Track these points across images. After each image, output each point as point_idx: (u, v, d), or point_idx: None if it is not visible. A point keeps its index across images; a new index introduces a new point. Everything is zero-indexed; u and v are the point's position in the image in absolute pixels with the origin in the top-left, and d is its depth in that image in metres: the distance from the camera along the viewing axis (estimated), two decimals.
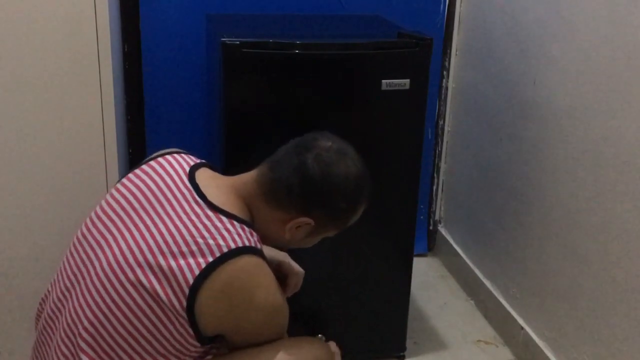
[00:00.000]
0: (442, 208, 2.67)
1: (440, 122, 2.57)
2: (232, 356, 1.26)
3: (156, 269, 1.14)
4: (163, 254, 1.14)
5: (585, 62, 1.72)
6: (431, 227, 2.69)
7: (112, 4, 1.78)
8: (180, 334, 1.16)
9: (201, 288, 1.13)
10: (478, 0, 2.31)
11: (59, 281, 1.26)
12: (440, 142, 2.59)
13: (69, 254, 1.26)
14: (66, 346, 1.20)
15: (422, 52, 1.74)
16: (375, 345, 2.02)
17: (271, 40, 1.67)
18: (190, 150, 1.34)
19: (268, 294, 1.19)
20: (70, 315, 1.19)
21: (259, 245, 1.21)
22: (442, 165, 2.62)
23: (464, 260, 2.45)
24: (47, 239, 1.67)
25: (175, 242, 1.15)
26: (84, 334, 1.17)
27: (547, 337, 1.94)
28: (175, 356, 1.19)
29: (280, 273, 1.44)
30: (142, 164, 1.29)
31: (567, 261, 1.83)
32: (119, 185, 1.26)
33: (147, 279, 1.14)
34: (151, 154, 1.34)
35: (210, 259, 1.13)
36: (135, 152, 2.20)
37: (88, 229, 1.24)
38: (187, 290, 1.13)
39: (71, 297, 1.21)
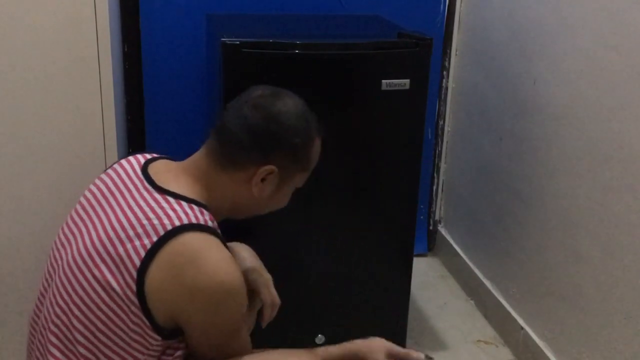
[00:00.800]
0: (442, 208, 2.67)
1: (440, 122, 2.57)
2: None
3: (107, 259, 1.14)
4: (112, 242, 1.14)
5: (585, 61, 1.72)
6: (431, 227, 2.69)
7: (112, 4, 1.78)
8: (137, 325, 1.14)
9: (148, 269, 1.11)
10: (478, 0, 2.31)
11: (40, 283, 1.29)
12: (440, 142, 2.59)
13: (49, 256, 1.29)
14: (40, 342, 1.23)
15: (422, 52, 1.74)
16: None
17: (271, 40, 1.67)
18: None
19: (216, 269, 1.13)
20: (45, 313, 1.23)
21: (209, 223, 1.17)
22: (442, 165, 2.62)
23: (464, 260, 2.45)
24: (47, 240, 1.67)
25: (123, 228, 1.15)
26: (53, 328, 1.19)
27: (547, 337, 1.94)
28: (138, 351, 1.17)
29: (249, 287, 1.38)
30: (107, 168, 1.32)
31: (567, 261, 1.83)
32: (86, 190, 1.28)
33: (99, 271, 1.14)
34: (151, 154, 1.34)
35: (155, 239, 1.12)
36: (135, 152, 2.19)
37: (60, 232, 1.28)
38: (135, 274, 1.12)
39: (47, 294, 1.24)
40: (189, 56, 2.21)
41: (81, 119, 1.66)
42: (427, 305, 2.33)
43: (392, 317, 1.99)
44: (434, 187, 2.65)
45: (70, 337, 1.17)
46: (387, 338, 2.02)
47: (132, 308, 1.13)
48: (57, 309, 1.19)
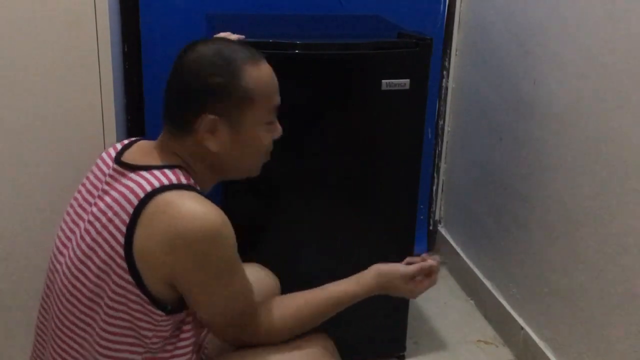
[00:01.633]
0: (442, 208, 2.67)
1: (440, 122, 2.57)
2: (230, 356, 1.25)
3: (94, 250, 1.14)
4: (98, 232, 1.15)
5: (585, 61, 1.72)
6: (431, 227, 2.69)
7: (112, 4, 1.78)
8: (137, 303, 1.14)
9: (133, 241, 1.11)
10: (478, 1, 2.31)
11: (43, 287, 1.30)
12: (440, 142, 2.59)
13: (50, 259, 1.29)
14: (52, 348, 1.23)
15: (422, 52, 1.74)
16: (376, 346, 2.01)
17: (271, 40, 1.67)
18: None
19: (191, 213, 1.10)
20: (52, 319, 1.23)
21: (183, 181, 1.16)
22: (442, 165, 2.62)
23: (464, 261, 2.45)
24: (46, 240, 1.67)
25: (104, 213, 1.15)
26: (62, 335, 1.20)
27: (547, 337, 1.94)
28: (146, 329, 1.16)
29: None
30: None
31: (567, 261, 1.83)
32: (75, 194, 1.29)
33: (93, 263, 1.14)
34: (129, 139, 1.36)
35: (132, 210, 1.12)
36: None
37: (59, 233, 1.28)
38: (122, 251, 1.12)
39: (50, 301, 1.25)
40: None
41: (81, 119, 1.65)
42: (427, 305, 2.33)
43: (392, 317, 1.99)
44: (434, 187, 2.65)
45: (88, 329, 1.17)
46: (387, 338, 2.03)
47: (128, 287, 1.13)
48: (59, 318, 1.20)
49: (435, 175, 2.64)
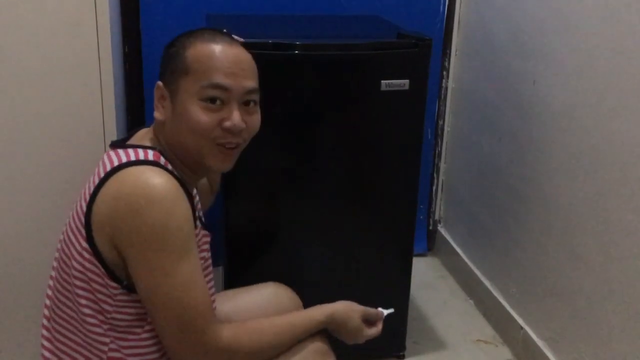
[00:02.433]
0: (442, 208, 2.67)
1: (440, 122, 2.57)
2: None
3: (75, 221, 1.19)
4: (76, 212, 1.19)
5: (584, 61, 1.72)
6: (431, 227, 2.69)
7: (112, 5, 1.77)
8: (94, 273, 1.16)
9: (93, 207, 1.14)
10: (478, 1, 2.31)
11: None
12: (439, 142, 2.59)
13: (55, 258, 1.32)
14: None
15: (422, 52, 1.74)
16: (375, 345, 1.98)
17: (271, 41, 1.67)
18: None
19: (139, 177, 1.12)
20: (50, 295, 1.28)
21: (151, 158, 1.17)
22: (442, 165, 2.62)
23: (464, 260, 2.45)
24: (46, 240, 1.67)
25: (84, 189, 1.20)
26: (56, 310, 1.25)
27: (546, 337, 1.94)
28: (105, 302, 1.17)
29: None
30: None
31: (566, 261, 1.83)
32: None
33: (76, 239, 1.18)
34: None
35: (98, 182, 1.15)
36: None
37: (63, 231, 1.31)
38: (83, 218, 1.15)
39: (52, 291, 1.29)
40: None
41: (81, 120, 1.65)
42: (427, 305, 2.33)
43: (392, 317, 1.97)
44: (434, 187, 2.65)
45: (60, 304, 1.23)
46: (387, 337, 2.03)
47: (85, 254, 1.15)
48: (54, 290, 1.25)
49: (435, 175, 2.64)
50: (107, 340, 1.19)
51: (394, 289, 1.95)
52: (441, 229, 2.67)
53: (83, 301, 1.18)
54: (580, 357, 1.78)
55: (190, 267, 1.13)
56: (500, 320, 2.18)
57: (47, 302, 1.28)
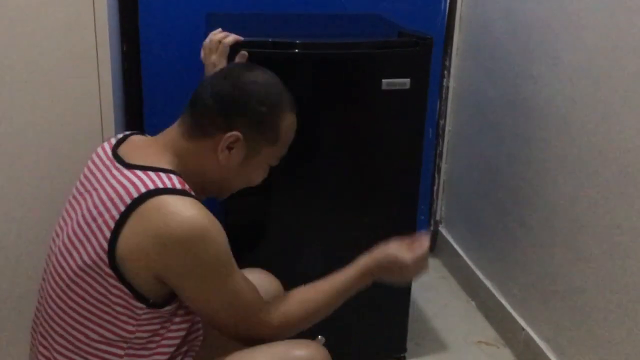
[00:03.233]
0: (443, 208, 2.67)
1: (441, 122, 2.56)
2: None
3: (83, 239, 1.17)
4: (87, 223, 1.17)
5: (587, 61, 1.72)
6: (432, 228, 2.69)
7: (110, 3, 1.77)
8: (118, 297, 1.15)
9: (119, 238, 1.13)
10: None
11: (40, 279, 1.32)
12: (441, 142, 2.59)
13: (47, 254, 1.31)
14: (41, 334, 1.26)
15: (423, 51, 1.74)
16: (376, 346, 2.01)
17: (271, 40, 1.66)
18: None
19: (184, 213, 1.12)
20: (43, 306, 1.26)
21: (178, 186, 1.18)
22: (443, 165, 2.61)
23: (465, 261, 2.44)
24: (45, 236, 1.67)
25: (95, 207, 1.17)
26: (50, 321, 1.23)
27: (548, 338, 1.93)
28: (126, 322, 1.18)
29: None
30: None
31: (569, 261, 1.82)
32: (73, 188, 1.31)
33: (77, 253, 1.16)
34: (123, 133, 1.38)
35: (123, 208, 1.14)
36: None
37: (56, 227, 1.30)
38: (105, 244, 1.14)
39: (44, 292, 1.28)
40: (188, 55, 2.19)
41: (79, 118, 1.65)
42: (428, 306, 2.33)
43: (393, 318, 1.98)
44: (435, 187, 2.64)
45: (59, 320, 1.20)
46: (388, 339, 2.02)
47: (110, 280, 1.14)
48: (46, 300, 1.23)
49: (436, 175, 2.63)
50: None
51: (394, 290, 1.92)
52: (442, 230, 2.66)
53: (106, 324, 1.17)
54: (581, 359, 1.77)
55: (235, 275, 1.21)
56: (502, 321, 2.17)
57: (42, 330, 1.25)
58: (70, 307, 1.19)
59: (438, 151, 2.60)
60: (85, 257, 1.15)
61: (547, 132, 1.90)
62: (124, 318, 1.17)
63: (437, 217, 2.69)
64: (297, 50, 1.68)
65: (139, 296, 1.16)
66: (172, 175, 1.19)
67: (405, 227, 1.90)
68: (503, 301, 2.17)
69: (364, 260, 1.35)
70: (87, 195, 1.22)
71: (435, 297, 2.39)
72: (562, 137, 1.83)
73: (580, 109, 1.75)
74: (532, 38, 1.97)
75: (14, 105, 1.60)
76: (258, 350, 1.25)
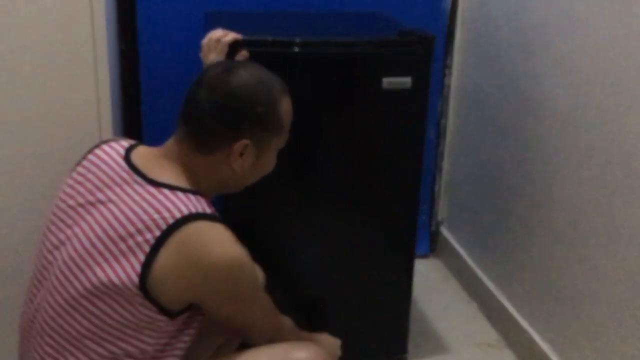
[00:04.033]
0: (445, 208, 2.66)
1: (443, 121, 2.55)
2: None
3: (108, 256, 1.16)
4: (113, 240, 1.17)
5: (590, 60, 1.71)
6: (433, 228, 2.68)
7: (108, 1, 1.77)
8: (145, 315, 1.17)
9: (154, 262, 1.14)
10: None
11: (30, 284, 1.30)
12: (442, 141, 2.58)
13: (39, 257, 1.28)
14: (38, 343, 1.24)
15: (424, 50, 1.73)
16: (377, 348, 2.01)
17: (270, 39, 1.66)
18: None
19: (223, 248, 1.18)
20: (41, 315, 1.23)
21: (208, 210, 1.21)
22: (445, 165, 2.61)
23: (467, 262, 2.44)
24: (38, 240, 1.67)
25: (122, 225, 1.17)
26: (50, 331, 1.21)
27: (551, 340, 1.93)
28: (149, 336, 1.20)
29: None
30: (81, 160, 1.32)
31: (571, 263, 1.81)
32: (65, 186, 1.29)
33: (100, 269, 1.16)
34: (127, 140, 1.37)
35: (158, 233, 1.15)
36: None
37: (47, 231, 1.28)
38: (139, 268, 1.14)
39: (39, 296, 1.26)
40: (187, 54, 2.17)
41: (77, 117, 1.65)
42: (429, 308, 2.32)
43: (394, 320, 1.98)
44: (436, 187, 2.64)
45: (75, 334, 1.18)
46: (389, 340, 2.02)
47: (137, 299, 1.15)
48: (50, 310, 1.20)
49: (437, 175, 2.62)
50: None
51: (395, 291, 1.94)
52: (444, 230, 2.66)
53: (129, 339, 1.19)
54: None
55: (261, 296, 1.36)
56: (504, 323, 2.16)
57: (48, 349, 1.23)
58: (90, 321, 1.18)
59: (439, 151, 2.59)
60: (112, 276, 1.15)
61: (550, 131, 1.89)
62: (147, 332, 1.19)
63: (439, 218, 2.68)
64: (297, 49, 1.67)
65: (163, 310, 1.18)
66: (200, 198, 1.21)
67: (406, 227, 1.91)
68: (505, 302, 2.16)
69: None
70: (100, 206, 1.21)
71: (437, 299, 2.38)
72: (565, 136, 1.82)
73: (583, 108, 1.74)
74: (534, 36, 1.96)
75: (10, 103, 1.59)
76: (259, 351, 1.29)
